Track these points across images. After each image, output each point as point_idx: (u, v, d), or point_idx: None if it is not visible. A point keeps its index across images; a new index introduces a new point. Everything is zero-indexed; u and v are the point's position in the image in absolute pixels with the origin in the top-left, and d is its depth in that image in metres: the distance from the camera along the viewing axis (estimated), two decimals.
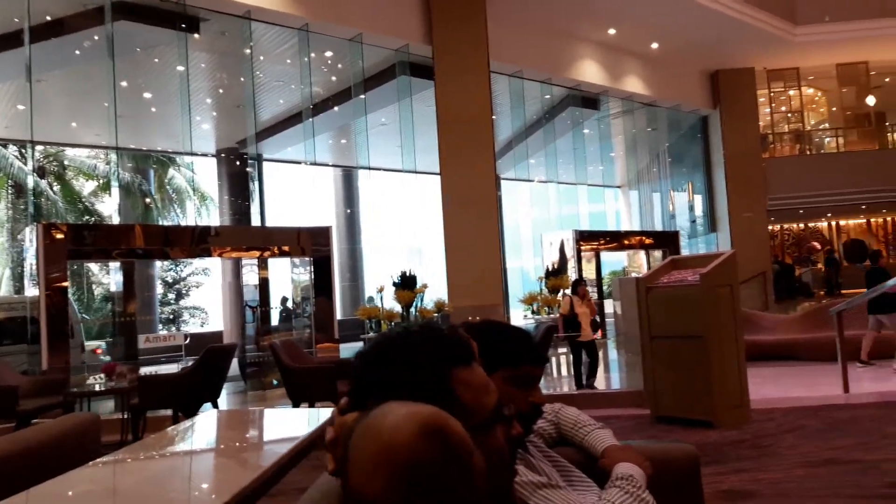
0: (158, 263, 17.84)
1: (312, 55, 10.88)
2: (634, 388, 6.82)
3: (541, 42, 13.10)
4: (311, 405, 6.48)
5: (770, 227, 18.41)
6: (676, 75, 16.03)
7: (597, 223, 17.60)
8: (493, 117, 11.62)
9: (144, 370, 7.85)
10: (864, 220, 21.50)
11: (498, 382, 1.04)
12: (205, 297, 20.53)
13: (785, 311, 13.63)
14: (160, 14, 9.75)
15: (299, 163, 14.09)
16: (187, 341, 9.46)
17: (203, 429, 3.28)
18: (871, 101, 18.16)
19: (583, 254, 13.39)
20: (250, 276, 10.34)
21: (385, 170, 15.58)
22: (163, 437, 3.03)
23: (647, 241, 15.22)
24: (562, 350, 10.69)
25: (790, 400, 6.54)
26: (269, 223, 13.72)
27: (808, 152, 19.12)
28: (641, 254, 16.20)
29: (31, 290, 8.66)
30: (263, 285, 10.11)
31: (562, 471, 1.44)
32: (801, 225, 21.30)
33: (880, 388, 6.94)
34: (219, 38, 10.78)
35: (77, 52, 10.66)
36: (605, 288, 14.15)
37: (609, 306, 12.54)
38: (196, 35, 10.15)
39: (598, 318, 8.07)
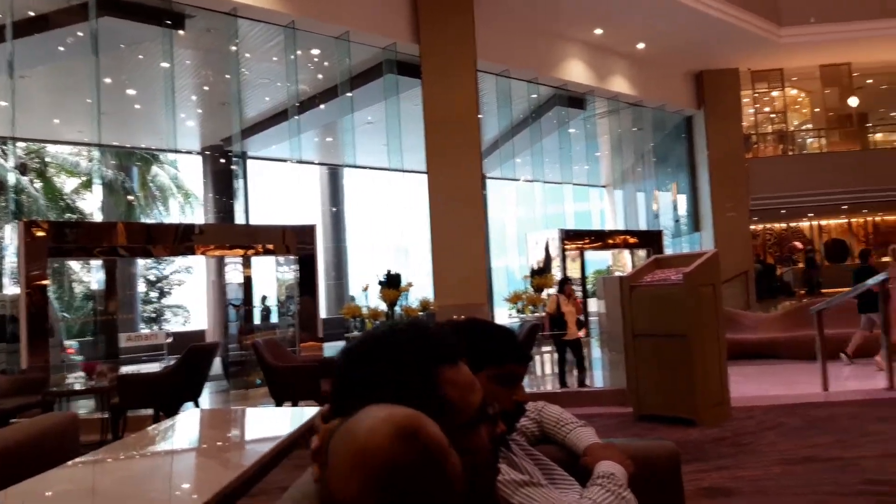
0: (141, 261, 17.66)
1: (299, 53, 10.82)
2: (617, 386, 6.86)
3: (527, 41, 13.12)
4: (295, 404, 6.46)
5: (752, 227, 18.57)
6: (662, 76, 16.13)
7: (582, 222, 17.66)
8: (480, 116, 11.63)
9: (125, 369, 7.77)
10: (846, 221, 21.75)
11: (482, 381, 1.04)
12: (188, 295, 20.36)
13: (766, 310, 13.76)
14: (145, 10, 9.66)
15: (285, 161, 14.01)
16: (169, 340, 9.38)
17: (184, 428, 3.26)
18: (853, 102, 18.36)
19: (568, 253, 13.43)
20: (234, 275, 10.29)
21: (371, 168, 15.56)
22: (143, 437, 3.01)
23: (632, 240, 15.29)
24: (546, 349, 10.72)
25: (770, 398, 6.60)
26: (254, 221, 13.65)
27: (790, 153, 19.31)
28: (626, 253, 16.27)
29: (11, 288, 8.57)
30: (247, 284, 10.06)
31: (544, 469, 1.45)
32: (784, 225, 21.50)
33: (859, 387, 7.02)
34: (204, 34, 10.70)
35: (60, 48, 10.54)
36: (589, 287, 14.20)
37: (593, 305, 12.60)
38: (181, 32, 10.07)
39: (581, 317, 8.13)
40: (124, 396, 6.15)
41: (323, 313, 10.93)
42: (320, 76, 12.33)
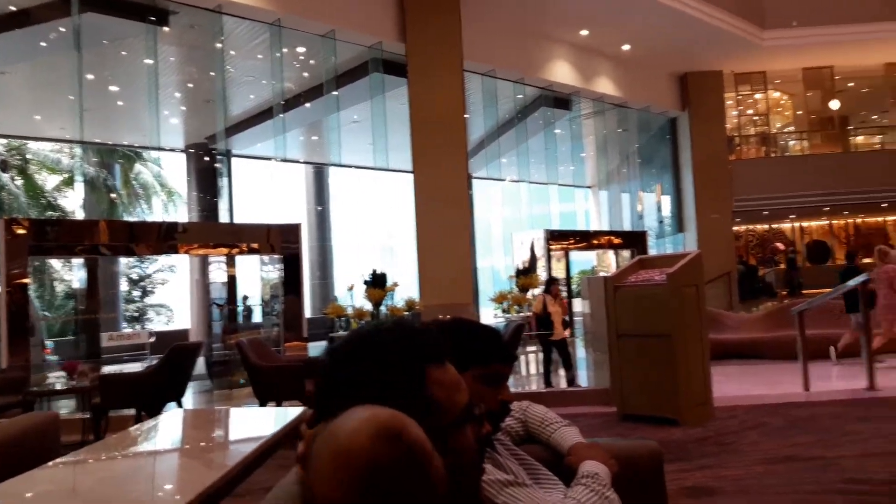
0: (123, 260, 17.51)
1: (284, 50, 10.78)
2: (601, 386, 6.89)
3: (514, 42, 13.15)
4: (279, 404, 6.43)
5: (735, 228, 18.73)
6: (647, 77, 16.23)
7: (567, 223, 17.75)
8: (466, 116, 11.64)
9: (107, 369, 7.70)
10: (827, 222, 22.00)
11: (468, 381, 1.04)
12: (171, 294, 20.21)
13: (749, 310, 13.88)
14: (128, 6, 9.58)
15: (269, 159, 13.96)
16: (152, 339, 9.31)
17: (167, 428, 3.23)
18: (835, 105, 18.57)
19: (553, 253, 13.48)
20: (218, 274, 10.22)
21: (357, 167, 15.51)
22: (125, 437, 2.98)
23: (616, 240, 15.38)
24: (531, 349, 10.75)
25: (752, 398, 6.66)
26: (238, 220, 13.57)
27: (773, 155, 19.50)
28: (610, 253, 16.36)
29: None
30: (231, 283, 10.00)
31: (528, 469, 1.45)
32: (766, 226, 21.71)
33: (840, 387, 7.10)
34: (188, 31, 10.62)
35: (42, 43, 10.42)
36: (574, 287, 14.26)
37: (577, 305, 12.65)
38: (165, 28, 10.00)
39: (566, 318, 8.18)
40: (106, 396, 6.09)
41: (308, 313, 10.89)
42: (306, 74, 12.28)
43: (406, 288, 10.59)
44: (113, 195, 17.00)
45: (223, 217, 13.18)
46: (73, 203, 16.64)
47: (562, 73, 14.24)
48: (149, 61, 10.34)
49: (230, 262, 9.90)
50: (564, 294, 11.39)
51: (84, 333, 9.56)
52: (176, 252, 9.53)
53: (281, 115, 11.41)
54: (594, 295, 7.05)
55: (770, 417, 5.73)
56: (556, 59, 14.20)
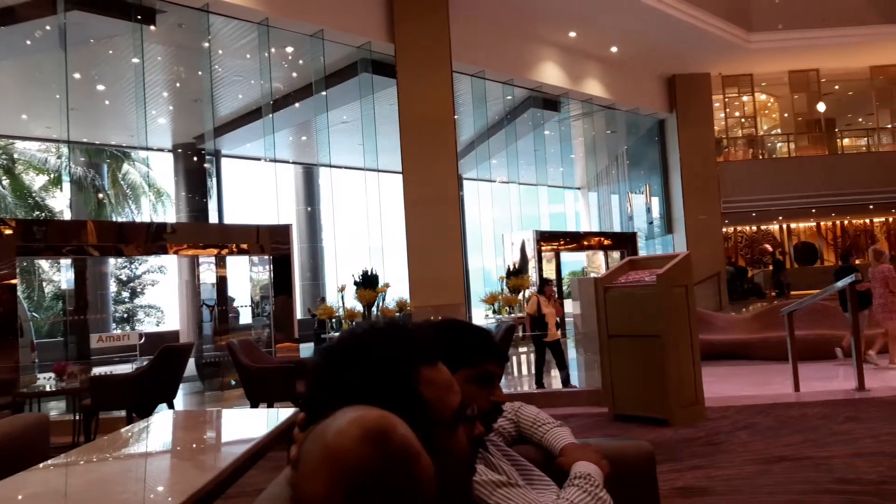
0: (112, 261, 17.40)
1: (273, 50, 10.74)
2: (593, 386, 6.91)
3: (503, 43, 13.17)
4: (270, 405, 6.40)
5: (724, 230, 18.84)
6: (635, 79, 16.30)
7: (557, 224, 17.79)
8: (456, 117, 11.64)
9: (97, 370, 7.65)
10: (814, 224, 22.16)
11: (459, 381, 1.04)
12: (160, 295, 20.11)
13: (738, 311, 13.97)
14: (115, 5, 9.52)
15: (258, 159, 13.91)
16: (142, 341, 9.23)
17: (158, 430, 3.21)
18: (821, 107, 18.73)
19: (543, 254, 13.51)
20: (207, 275, 10.16)
21: (347, 168, 15.47)
22: (115, 439, 2.96)
23: (606, 241, 15.44)
24: (522, 349, 10.77)
25: (743, 398, 6.70)
26: (228, 220, 13.52)
27: (760, 157, 19.63)
28: (600, 254, 16.42)
29: None
30: (221, 284, 9.95)
31: (521, 469, 1.45)
32: (754, 227, 21.85)
33: (829, 387, 7.15)
34: (176, 30, 10.56)
35: (28, 42, 10.34)
36: (564, 288, 14.30)
37: (568, 306, 12.70)
38: (152, 27, 9.94)
39: (558, 320, 8.19)
40: (96, 398, 6.05)
41: (299, 314, 10.85)
42: (294, 74, 12.25)
43: (397, 289, 10.58)
44: (101, 195, 16.88)
45: (212, 217, 13.11)
46: (61, 203, 16.53)
47: (550, 74, 14.28)
48: (136, 60, 10.27)
49: (220, 263, 9.85)
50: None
51: (73, 334, 9.49)
52: (165, 253, 9.48)
53: (270, 116, 11.38)
54: (584, 296, 7.08)
55: (761, 418, 5.77)
56: (545, 61, 14.24)
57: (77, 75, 10.53)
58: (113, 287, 18.69)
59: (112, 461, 2.58)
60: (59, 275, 16.46)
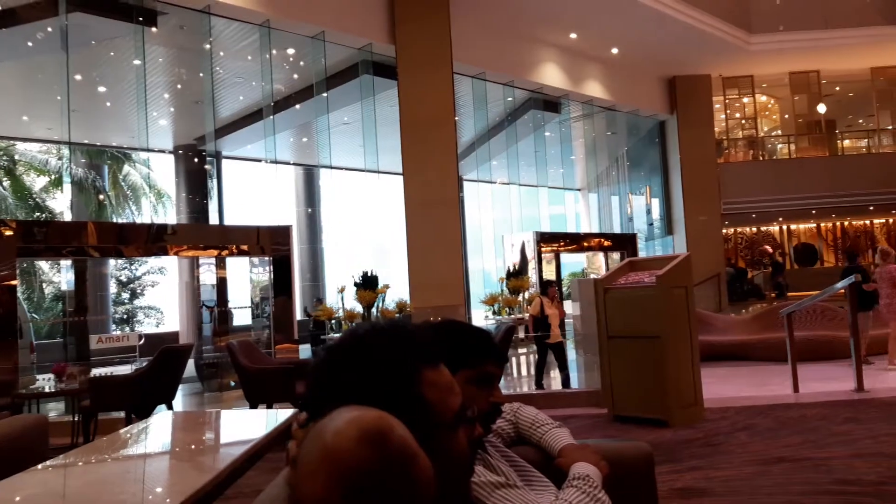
0: (112, 262, 17.41)
1: (274, 52, 10.75)
2: (593, 387, 6.91)
3: (504, 45, 13.18)
4: (269, 407, 6.40)
5: (724, 231, 18.83)
6: (635, 80, 16.30)
7: (557, 225, 17.78)
8: (456, 118, 11.64)
9: (96, 371, 7.65)
10: (815, 225, 22.15)
11: (459, 382, 1.04)
12: (160, 296, 20.12)
13: (738, 312, 13.96)
14: (116, 6, 9.52)
15: (259, 161, 13.91)
16: (142, 342, 9.24)
17: (157, 431, 3.21)
18: (821, 108, 18.72)
19: (543, 255, 13.51)
20: (208, 276, 10.17)
21: (347, 169, 15.48)
22: (115, 440, 2.96)
23: (606, 243, 15.44)
24: (521, 350, 10.76)
25: (742, 399, 6.70)
26: (228, 222, 13.51)
27: (761, 158, 19.62)
28: (600, 255, 16.43)
29: None
30: (221, 285, 9.96)
31: (519, 470, 1.45)
32: (754, 229, 21.84)
33: (828, 388, 7.15)
34: (177, 32, 10.57)
35: (29, 43, 10.34)
36: (564, 289, 14.30)
37: (568, 307, 12.70)
38: (153, 29, 9.94)
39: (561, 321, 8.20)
40: (95, 399, 6.05)
41: (298, 315, 10.85)
42: (296, 76, 12.25)
43: (397, 290, 10.58)
44: (101, 196, 16.89)
45: (213, 219, 13.11)
46: (61, 204, 16.53)
47: (551, 76, 14.29)
48: (137, 62, 10.28)
49: (220, 264, 9.86)
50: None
51: (73, 336, 9.49)
52: (165, 254, 9.48)
53: (271, 117, 11.38)
54: (584, 297, 7.07)
55: (760, 419, 5.77)
56: (546, 62, 14.24)
57: (78, 77, 10.54)
58: (113, 288, 18.70)
59: (111, 462, 2.58)
60: (59, 276, 16.48)
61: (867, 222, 21.94)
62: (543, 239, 13.55)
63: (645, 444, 1.80)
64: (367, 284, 9.18)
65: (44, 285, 18.43)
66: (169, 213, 17.92)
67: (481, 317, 11.91)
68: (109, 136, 15.26)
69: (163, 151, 14.97)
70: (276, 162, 12.00)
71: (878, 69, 18.24)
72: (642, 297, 5.89)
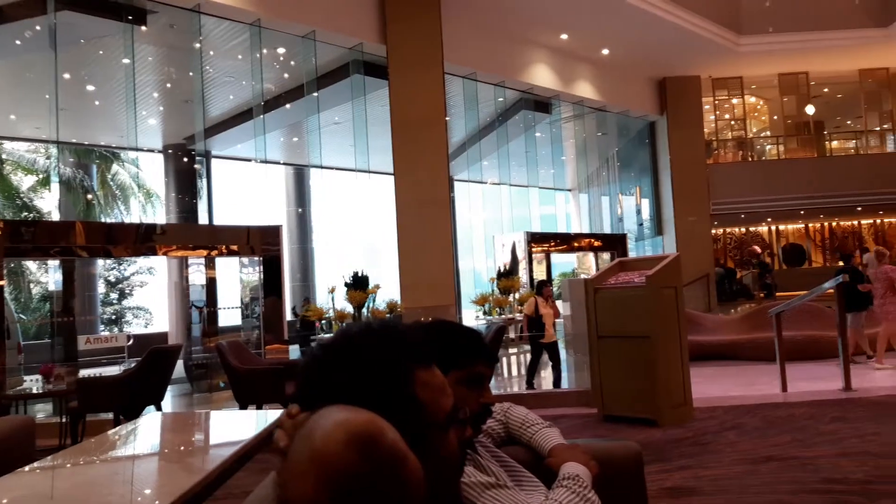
0: (101, 262, 17.29)
1: (264, 51, 10.71)
2: (583, 387, 6.93)
3: (494, 45, 13.19)
4: (259, 407, 6.38)
5: (713, 231, 18.93)
6: (626, 81, 16.36)
7: (548, 225, 17.82)
8: (447, 119, 11.64)
9: (84, 372, 7.60)
10: (803, 225, 22.29)
11: (450, 383, 1.04)
12: (149, 297, 20.00)
13: (727, 312, 14.02)
14: (105, 5, 9.46)
15: (249, 160, 13.85)
16: (130, 342, 9.18)
17: (145, 432, 3.19)
18: (810, 110, 18.85)
19: (534, 255, 13.54)
20: (197, 276, 10.12)
21: (338, 169, 15.46)
22: (103, 441, 2.94)
23: (596, 243, 15.49)
24: (512, 350, 10.77)
25: (731, 399, 6.74)
26: (218, 222, 13.45)
27: (750, 159, 19.73)
28: (590, 256, 16.48)
29: None
30: (211, 285, 9.91)
31: (509, 470, 1.45)
32: (743, 229, 21.95)
33: (816, 388, 7.19)
34: (167, 30, 10.52)
35: (17, 42, 10.27)
36: (555, 289, 14.32)
37: (558, 307, 12.72)
38: (143, 27, 9.89)
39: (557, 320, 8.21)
40: (83, 400, 6.01)
41: (289, 315, 10.81)
42: (286, 75, 12.22)
43: (388, 290, 10.57)
44: (89, 196, 16.78)
45: (202, 219, 13.05)
46: (49, 204, 16.41)
47: (542, 76, 14.32)
48: (126, 61, 10.22)
49: (209, 264, 9.81)
50: None
51: (61, 336, 9.42)
52: (154, 254, 9.43)
53: (261, 116, 11.34)
54: (574, 297, 7.09)
55: (748, 418, 5.80)
56: (537, 63, 14.27)
57: (67, 75, 10.46)
58: (101, 288, 18.57)
59: (99, 464, 2.56)
60: (47, 276, 16.35)
61: (855, 223, 22.10)
62: (534, 239, 13.58)
63: (634, 444, 1.81)
64: (358, 285, 9.16)
65: (31, 285, 18.28)
66: (158, 213, 17.82)
67: (472, 317, 11.91)
68: (98, 136, 15.16)
69: (152, 151, 14.88)
70: (266, 161, 11.95)
71: (866, 71, 18.38)
72: (632, 297, 5.91)
